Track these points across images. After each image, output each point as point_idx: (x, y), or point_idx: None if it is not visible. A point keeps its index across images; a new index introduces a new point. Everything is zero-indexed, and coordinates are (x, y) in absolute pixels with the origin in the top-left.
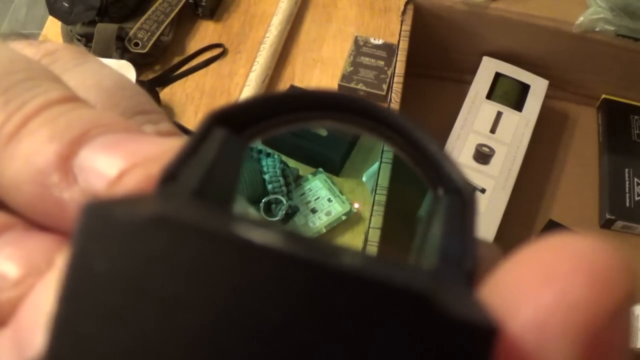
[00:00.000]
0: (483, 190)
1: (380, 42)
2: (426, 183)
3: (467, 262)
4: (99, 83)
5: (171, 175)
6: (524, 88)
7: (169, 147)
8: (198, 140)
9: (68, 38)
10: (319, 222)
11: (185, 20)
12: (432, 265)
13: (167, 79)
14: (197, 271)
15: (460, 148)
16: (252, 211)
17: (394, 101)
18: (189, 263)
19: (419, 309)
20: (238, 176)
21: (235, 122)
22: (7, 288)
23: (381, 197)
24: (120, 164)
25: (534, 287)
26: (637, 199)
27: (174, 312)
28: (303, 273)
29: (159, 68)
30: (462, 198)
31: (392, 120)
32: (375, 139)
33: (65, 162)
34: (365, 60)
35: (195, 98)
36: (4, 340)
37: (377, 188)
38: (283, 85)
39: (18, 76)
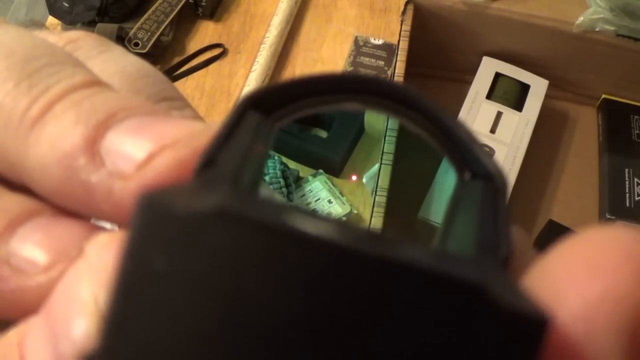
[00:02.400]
0: None
1: (380, 42)
2: (453, 167)
3: (504, 249)
4: (123, 70)
5: (210, 161)
6: (524, 88)
7: (196, 130)
8: (233, 124)
9: None
10: None
11: (185, 20)
12: (468, 253)
13: None
14: (261, 266)
15: None
16: (274, 194)
17: None
18: (251, 258)
19: (475, 300)
20: (266, 158)
21: (265, 105)
22: (36, 273)
23: (381, 199)
24: (149, 147)
25: (581, 279)
26: (637, 199)
27: (237, 308)
28: (365, 267)
29: (159, 68)
30: (494, 183)
31: (420, 104)
32: (401, 122)
33: (92, 145)
34: (365, 60)
35: (195, 98)
36: (37, 330)
37: (378, 189)
38: None
39: (41, 61)
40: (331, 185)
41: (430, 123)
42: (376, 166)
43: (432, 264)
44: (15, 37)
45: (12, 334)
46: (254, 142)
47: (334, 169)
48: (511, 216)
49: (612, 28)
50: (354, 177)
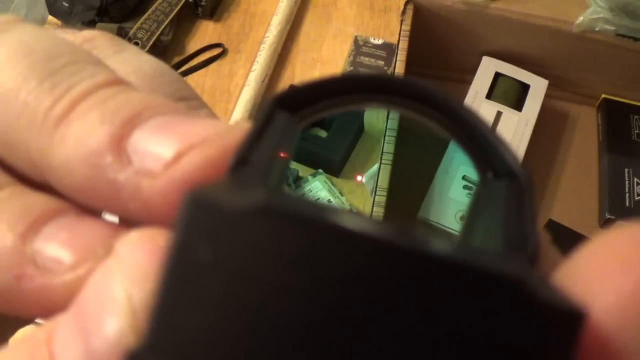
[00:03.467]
0: None
1: (380, 42)
2: (476, 166)
3: (531, 247)
4: (139, 69)
5: (243, 160)
6: (524, 88)
7: (223, 129)
8: (263, 124)
9: None
10: None
11: (185, 20)
12: (495, 249)
13: None
14: (303, 259)
15: None
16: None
17: None
18: (294, 252)
19: (514, 295)
20: (292, 155)
21: (292, 104)
22: (62, 272)
23: (381, 199)
24: (177, 146)
25: (613, 275)
26: (637, 199)
27: (281, 301)
28: (405, 262)
29: None
30: (519, 182)
31: (444, 103)
32: (424, 121)
33: (119, 144)
34: (365, 60)
35: None
36: (66, 328)
37: (377, 189)
38: (283, 85)
39: (63, 60)
40: (331, 185)
41: (456, 124)
42: (376, 166)
43: (472, 259)
44: (35, 36)
45: (40, 331)
46: (282, 142)
47: (334, 169)
48: (537, 214)
49: (612, 28)
50: (359, 178)
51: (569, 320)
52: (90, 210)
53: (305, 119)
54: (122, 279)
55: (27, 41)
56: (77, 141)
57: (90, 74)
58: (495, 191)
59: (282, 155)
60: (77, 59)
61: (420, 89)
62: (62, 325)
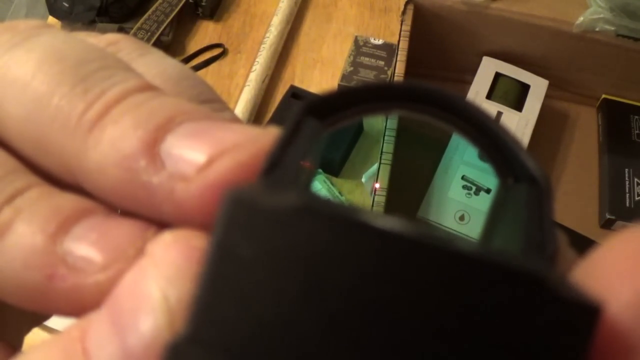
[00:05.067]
0: (488, 190)
1: (380, 42)
2: (496, 172)
3: (550, 248)
4: (163, 72)
5: (275, 164)
6: (524, 88)
7: (255, 135)
8: (293, 130)
9: None
10: None
11: (185, 20)
12: (515, 250)
13: None
14: (339, 257)
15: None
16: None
17: None
18: (330, 250)
19: (534, 289)
20: (319, 160)
21: (321, 111)
22: (94, 272)
23: (380, 198)
24: (209, 151)
25: (629, 272)
26: (637, 199)
27: (318, 296)
28: (436, 259)
29: None
30: (539, 186)
31: (466, 110)
32: (447, 128)
33: (152, 148)
34: (365, 60)
35: None
36: (100, 325)
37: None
38: (283, 85)
39: (94, 65)
40: (330, 185)
41: (477, 130)
42: (375, 166)
43: (497, 256)
44: (66, 42)
45: (74, 328)
46: (311, 147)
47: (333, 169)
48: (555, 217)
49: (612, 28)
50: (377, 185)
51: (585, 314)
52: (121, 210)
53: (332, 125)
54: (156, 278)
55: (58, 46)
56: (111, 145)
57: (122, 79)
58: (515, 196)
59: (309, 161)
60: (107, 64)
61: (446, 98)
62: (96, 323)
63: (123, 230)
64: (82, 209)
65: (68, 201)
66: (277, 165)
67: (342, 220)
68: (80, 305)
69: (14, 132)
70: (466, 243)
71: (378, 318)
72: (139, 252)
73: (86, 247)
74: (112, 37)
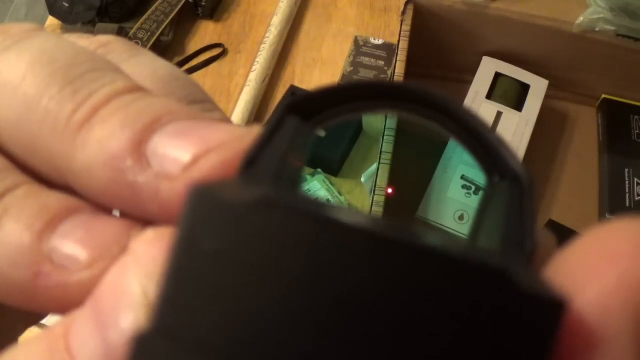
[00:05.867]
0: None
1: (380, 42)
2: (483, 170)
3: (528, 245)
4: (154, 74)
5: (252, 161)
6: (524, 88)
7: (239, 134)
8: (274, 128)
9: None
10: None
11: (185, 20)
12: (495, 247)
13: None
14: (299, 251)
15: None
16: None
17: None
18: (292, 242)
19: (496, 284)
20: (305, 160)
21: (304, 110)
22: (78, 270)
23: (380, 198)
24: (194, 150)
25: (598, 268)
26: (637, 199)
27: (280, 289)
28: (396, 253)
29: None
30: (521, 185)
31: (451, 110)
32: (430, 126)
33: (139, 148)
34: (365, 60)
35: None
36: (83, 322)
37: (376, 189)
38: (283, 85)
39: (83, 67)
40: (329, 185)
41: (462, 129)
42: (374, 165)
43: (457, 250)
44: (57, 45)
45: (57, 326)
46: (293, 145)
47: (332, 169)
48: (537, 215)
49: (612, 28)
50: (389, 190)
51: (549, 308)
52: (105, 209)
53: (319, 124)
54: (137, 274)
55: (48, 49)
56: (98, 145)
57: (110, 81)
58: (499, 193)
59: (294, 159)
60: (97, 67)
61: (428, 95)
62: (78, 320)
63: (109, 228)
64: (69, 207)
65: (55, 200)
66: (255, 163)
67: (304, 214)
68: (66, 303)
69: (4, 134)
70: (431, 237)
71: (338, 310)
72: (124, 250)
73: (72, 244)
74: (104, 39)
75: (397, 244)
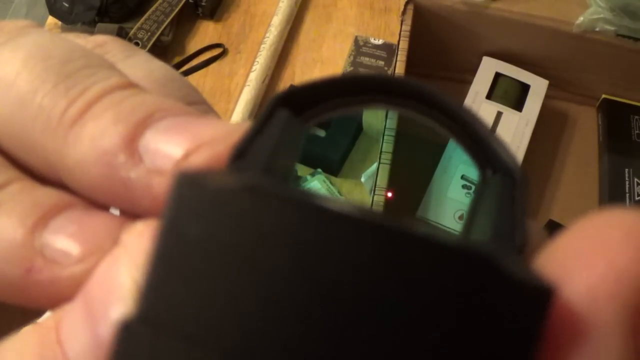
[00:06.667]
0: None
1: (380, 42)
2: (476, 164)
3: (519, 237)
4: (149, 74)
5: (241, 153)
6: (524, 88)
7: (231, 129)
8: (264, 120)
9: None
10: None
11: (185, 20)
12: (486, 239)
13: None
14: (284, 237)
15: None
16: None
17: None
18: (277, 229)
19: (484, 270)
20: (298, 154)
21: (296, 104)
22: (70, 264)
23: (379, 198)
24: (186, 145)
25: (586, 257)
26: (637, 199)
27: (263, 275)
28: (383, 239)
29: None
30: (513, 178)
31: (443, 104)
32: (423, 121)
33: (131, 144)
34: (365, 60)
35: None
36: (73, 314)
37: (376, 189)
38: (283, 85)
39: (77, 64)
40: (329, 185)
41: (454, 123)
42: (374, 165)
43: (444, 237)
44: (51, 41)
45: (49, 319)
46: (284, 138)
47: (332, 169)
48: (528, 207)
49: (612, 28)
50: (389, 194)
51: (536, 296)
52: (98, 205)
53: (311, 119)
54: (127, 266)
55: (43, 45)
56: (91, 141)
57: (104, 77)
58: (492, 187)
59: (284, 153)
60: (91, 63)
61: (420, 90)
62: (69, 312)
63: (101, 223)
64: (61, 202)
65: (48, 195)
66: (244, 155)
67: (287, 199)
68: (58, 298)
69: None
70: (417, 225)
71: (322, 297)
72: (116, 244)
73: (63, 239)
74: (100, 38)
75: (383, 230)
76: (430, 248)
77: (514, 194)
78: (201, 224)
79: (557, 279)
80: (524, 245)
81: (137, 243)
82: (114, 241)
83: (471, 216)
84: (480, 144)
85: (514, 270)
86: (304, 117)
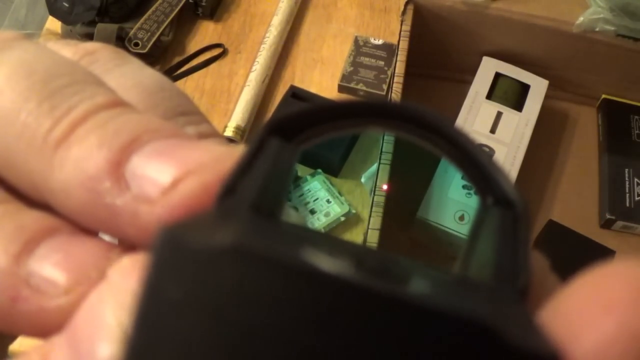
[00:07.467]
0: None
1: (380, 42)
2: (476, 189)
3: (522, 279)
4: (140, 84)
5: (230, 189)
6: (524, 88)
7: (220, 154)
8: (254, 152)
9: (68, 38)
10: (318, 224)
11: (185, 20)
12: (486, 281)
13: None
14: (272, 301)
15: None
16: (293, 213)
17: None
18: (263, 293)
19: (484, 339)
20: (289, 182)
21: (287, 130)
22: (56, 295)
23: (380, 198)
24: (174, 172)
25: (595, 316)
26: (637, 199)
27: (247, 342)
28: (376, 305)
29: (159, 68)
30: (514, 211)
31: (442, 129)
32: (422, 145)
33: (117, 169)
34: (365, 60)
35: (195, 98)
36: (60, 349)
37: (376, 189)
38: (283, 85)
39: (62, 80)
40: (330, 185)
41: (454, 149)
42: (375, 166)
43: (441, 301)
44: (35, 55)
45: (34, 352)
46: (276, 168)
47: (333, 169)
48: (531, 244)
49: (612, 28)
50: (384, 187)
51: None
52: (84, 228)
53: (302, 143)
54: (113, 305)
55: (27, 60)
56: (75, 165)
57: (90, 95)
58: (492, 218)
59: (275, 184)
60: (76, 79)
61: (418, 114)
62: (56, 349)
63: (87, 250)
64: (47, 227)
65: (33, 219)
66: (233, 191)
67: (276, 263)
68: (44, 327)
69: None
70: (416, 284)
71: None
72: (102, 274)
73: (49, 268)
74: (90, 46)
75: (374, 296)
76: (426, 316)
77: (515, 228)
78: (183, 286)
79: (565, 339)
80: (527, 287)
81: (123, 282)
82: (101, 270)
83: (470, 246)
84: (482, 172)
85: (518, 336)
86: (296, 142)
